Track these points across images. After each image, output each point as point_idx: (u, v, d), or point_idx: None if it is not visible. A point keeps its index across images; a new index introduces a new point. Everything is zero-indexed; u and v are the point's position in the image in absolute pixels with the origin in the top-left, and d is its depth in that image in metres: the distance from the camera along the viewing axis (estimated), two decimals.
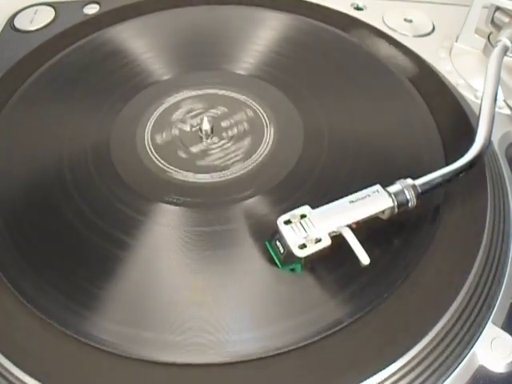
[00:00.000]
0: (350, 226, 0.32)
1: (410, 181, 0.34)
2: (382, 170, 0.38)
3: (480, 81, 0.41)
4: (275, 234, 0.33)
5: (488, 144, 0.37)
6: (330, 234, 0.32)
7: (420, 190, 0.34)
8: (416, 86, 0.45)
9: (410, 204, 0.34)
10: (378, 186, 0.34)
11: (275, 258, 0.33)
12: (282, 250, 0.33)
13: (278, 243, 0.33)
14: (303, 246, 0.32)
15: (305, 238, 0.32)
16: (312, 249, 0.32)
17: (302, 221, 0.33)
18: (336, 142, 0.41)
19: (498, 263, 0.35)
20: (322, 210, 0.33)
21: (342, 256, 0.32)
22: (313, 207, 0.33)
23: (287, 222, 0.33)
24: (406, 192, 0.34)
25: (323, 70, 0.47)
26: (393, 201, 0.33)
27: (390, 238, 0.35)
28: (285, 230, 0.32)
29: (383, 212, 0.34)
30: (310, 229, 0.32)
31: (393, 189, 0.34)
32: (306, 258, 0.32)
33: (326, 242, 0.32)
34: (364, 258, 0.31)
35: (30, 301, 0.33)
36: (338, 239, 0.32)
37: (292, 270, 0.33)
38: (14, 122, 0.44)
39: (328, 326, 0.31)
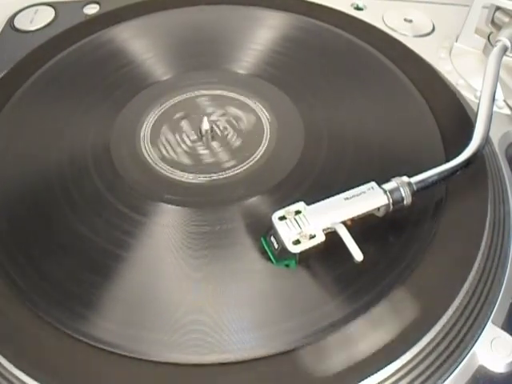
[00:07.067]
0: (344, 223, 0.32)
1: (405, 178, 0.34)
2: (382, 170, 0.38)
3: (480, 81, 0.41)
4: (270, 229, 0.33)
5: (485, 143, 0.37)
6: (324, 231, 0.32)
7: (415, 188, 0.34)
8: (416, 85, 0.44)
9: (405, 202, 0.33)
10: (373, 183, 0.34)
11: (269, 253, 0.33)
12: (276, 246, 0.33)
13: (272, 239, 0.33)
14: (297, 242, 0.32)
15: (299, 233, 0.32)
16: (306, 245, 0.32)
17: (297, 217, 0.33)
18: (336, 142, 0.41)
19: (498, 263, 0.35)
20: (316, 206, 0.33)
21: (342, 256, 0.32)
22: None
23: (282, 218, 0.33)
24: (401, 190, 0.33)
25: (323, 69, 0.47)
26: (388, 198, 0.33)
27: (389, 238, 0.35)
28: (279, 226, 0.32)
29: (378, 209, 0.34)
30: (304, 225, 0.32)
31: (388, 186, 0.34)
32: (300, 253, 0.32)
33: (320, 238, 0.32)
34: (357, 255, 0.31)
35: (29, 301, 0.33)
36: (333, 236, 0.32)
37: (286, 265, 0.33)
38: (14, 122, 0.44)
39: (327, 326, 0.31)
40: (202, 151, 0.41)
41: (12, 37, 0.55)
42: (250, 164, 0.40)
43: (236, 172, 0.39)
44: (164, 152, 0.41)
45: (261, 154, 0.40)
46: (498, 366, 0.32)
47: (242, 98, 0.44)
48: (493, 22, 0.47)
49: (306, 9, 0.52)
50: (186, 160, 0.40)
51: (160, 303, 0.33)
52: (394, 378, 0.30)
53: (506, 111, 0.46)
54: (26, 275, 0.34)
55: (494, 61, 0.42)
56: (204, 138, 0.42)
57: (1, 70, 0.49)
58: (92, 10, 0.57)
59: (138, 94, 0.45)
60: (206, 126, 0.42)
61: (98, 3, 0.57)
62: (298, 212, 0.33)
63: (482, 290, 0.33)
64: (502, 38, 0.44)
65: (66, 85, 0.47)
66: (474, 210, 0.36)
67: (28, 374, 0.30)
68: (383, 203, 0.33)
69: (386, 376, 0.30)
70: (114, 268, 0.34)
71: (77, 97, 0.46)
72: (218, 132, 0.42)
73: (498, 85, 0.41)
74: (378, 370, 0.29)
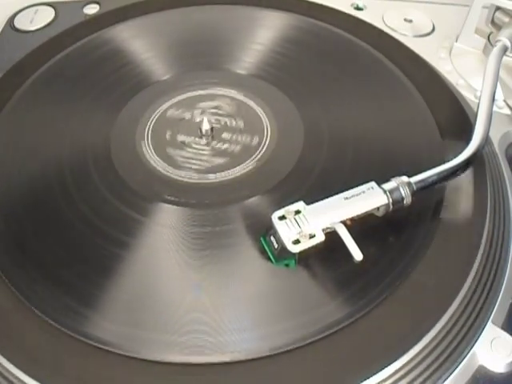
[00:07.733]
0: (344, 223, 0.32)
1: (405, 178, 0.34)
2: (382, 170, 0.38)
3: (480, 81, 0.41)
4: (270, 229, 0.33)
5: (485, 143, 0.37)
6: (324, 230, 0.32)
7: (415, 188, 0.34)
8: (416, 85, 0.44)
9: (404, 201, 0.33)
10: (372, 183, 0.34)
11: (269, 253, 0.33)
12: (276, 246, 0.33)
13: (272, 238, 0.33)
14: (297, 242, 0.32)
15: (299, 233, 0.32)
16: (306, 244, 0.32)
17: (297, 216, 0.33)
18: (336, 142, 0.41)
19: (498, 263, 0.35)
20: (316, 206, 0.33)
21: (341, 256, 0.32)
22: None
23: (281, 218, 0.33)
24: (401, 189, 0.33)
25: (323, 69, 0.47)
26: (387, 198, 0.33)
27: (389, 238, 0.35)
28: (279, 226, 0.32)
29: (378, 209, 0.34)
30: (304, 224, 0.32)
31: (388, 186, 0.34)
32: (299, 253, 0.32)
33: (320, 237, 0.32)
34: (357, 254, 0.31)
35: (29, 301, 0.33)
36: (333, 236, 0.32)
37: (286, 265, 0.33)
38: (14, 122, 0.44)
39: (328, 326, 0.31)
40: (202, 151, 0.41)
41: (12, 37, 0.55)
42: (250, 164, 0.40)
43: (236, 172, 0.39)
44: (164, 152, 0.41)
45: (261, 153, 0.40)
46: (497, 366, 0.32)
47: (242, 98, 0.44)
48: (493, 22, 0.47)
49: (306, 9, 0.52)
50: (185, 160, 0.40)
51: (160, 303, 0.33)
52: (393, 378, 0.30)
53: (506, 111, 0.46)
54: (26, 275, 0.34)
55: (494, 61, 0.42)
56: (204, 138, 0.42)
57: (1, 70, 0.49)
58: (92, 9, 0.57)
59: (137, 94, 0.45)
60: (206, 126, 0.42)
61: (97, 3, 0.57)
62: (297, 212, 0.33)
63: (482, 290, 0.33)
64: (502, 38, 0.44)
65: (65, 85, 0.47)
66: (473, 210, 0.36)
67: (28, 374, 0.30)
68: (383, 203, 0.33)
69: (385, 376, 0.30)
70: (113, 268, 0.34)
71: (77, 97, 0.46)
72: (218, 132, 0.42)
73: (498, 85, 0.41)
74: (378, 370, 0.29)
